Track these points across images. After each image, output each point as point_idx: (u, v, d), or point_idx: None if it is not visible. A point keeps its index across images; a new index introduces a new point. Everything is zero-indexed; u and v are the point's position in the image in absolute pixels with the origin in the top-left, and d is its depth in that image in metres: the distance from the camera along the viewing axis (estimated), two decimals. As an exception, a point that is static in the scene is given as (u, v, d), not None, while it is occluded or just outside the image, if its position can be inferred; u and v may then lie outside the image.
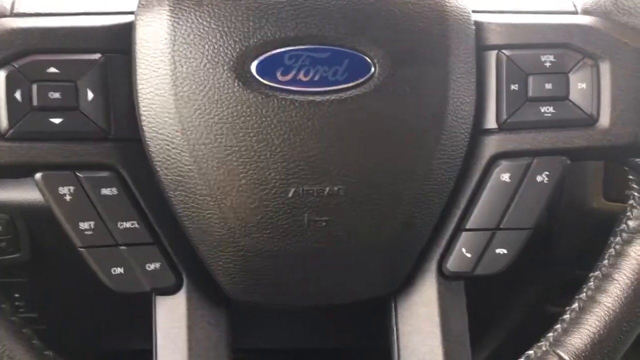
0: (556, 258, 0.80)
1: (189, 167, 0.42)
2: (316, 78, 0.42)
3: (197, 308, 0.46)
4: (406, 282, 0.48)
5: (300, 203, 0.43)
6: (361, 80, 0.42)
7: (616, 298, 0.46)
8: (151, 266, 0.44)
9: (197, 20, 0.41)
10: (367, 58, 0.42)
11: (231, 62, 0.41)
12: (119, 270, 0.43)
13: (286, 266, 0.45)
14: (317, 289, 0.47)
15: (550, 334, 0.48)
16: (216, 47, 0.41)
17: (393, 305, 0.49)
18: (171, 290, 0.45)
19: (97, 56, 0.42)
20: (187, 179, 0.43)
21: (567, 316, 0.48)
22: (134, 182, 0.43)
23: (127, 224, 0.43)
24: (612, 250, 0.48)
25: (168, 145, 0.42)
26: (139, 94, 0.42)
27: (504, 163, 0.45)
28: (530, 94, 0.45)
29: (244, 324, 0.79)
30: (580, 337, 0.46)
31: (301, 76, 0.42)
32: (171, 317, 0.45)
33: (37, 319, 0.72)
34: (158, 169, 0.43)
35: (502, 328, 0.93)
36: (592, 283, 0.48)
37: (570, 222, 0.75)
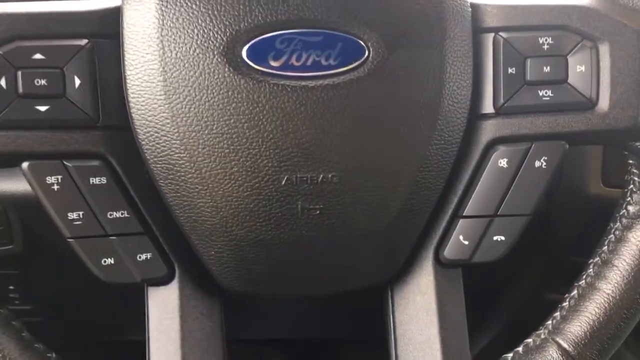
0: (555, 245, 0.80)
1: (179, 154, 0.41)
2: (309, 63, 0.41)
3: (190, 299, 0.45)
4: (402, 271, 0.47)
5: (293, 191, 0.42)
6: (355, 64, 0.41)
7: (616, 285, 0.45)
8: (142, 256, 0.43)
9: (186, 3, 0.40)
10: (360, 41, 0.41)
11: (221, 47, 0.40)
12: (109, 260, 0.43)
13: (279, 255, 0.44)
14: (311, 279, 0.46)
15: (549, 322, 0.47)
16: (206, 31, 0.40)
17: (389, 294, 0.48)
18: (163, 281, 0.45)
19: (84, 42, 0.41)
20: (178, 167, 0.42)
21: (566, 304, 0.47)
22: (124, 171, 0.42)
23: (117, 214, 0.42)
24: (611, 236, 0.47)
25: (158, 132, 0.41)
26: (128, 81, 0.41)
27: (501, 148, 0.45)
28: (528, 77, 0.44)
29: (240, 314, 0.78)
30: (580, 324, 0.45)
31: (293, 61, 0.41)
32: (163, 308, 0.45)
33: (32, 311, 0.71)
34: (148, 157, 0.42)
35: (501, 316, 0.93)
36: (591, 270, 0.47)
37: (569, 208, 0.75)
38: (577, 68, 0.44)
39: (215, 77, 0.40)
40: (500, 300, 0.92)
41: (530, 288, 0.88)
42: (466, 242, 0.45)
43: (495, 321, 0.94)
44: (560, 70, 0.44)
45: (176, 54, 0.40)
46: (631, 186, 0.48)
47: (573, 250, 0.78)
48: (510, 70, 0.44)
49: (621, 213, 0.47)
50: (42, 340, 0.46)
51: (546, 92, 0.44)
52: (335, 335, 0.99)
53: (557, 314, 0.47)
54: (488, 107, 0.45)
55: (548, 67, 0.44)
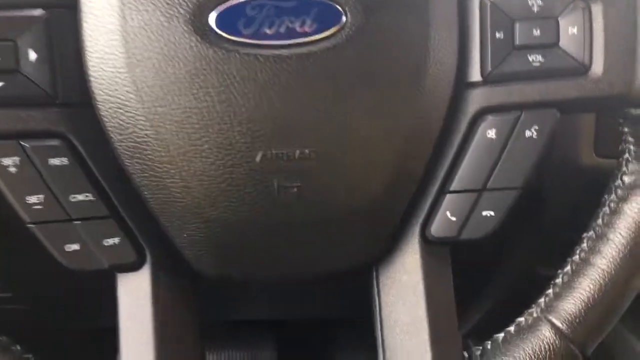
0: (546, 219, 0.78)
1: (146, 132, 0.39)
2: (282, 30, 0.38)
3: (162, 285, 0.42)
4: (387, 250, 0.45)
5: (268, 168, 0.39)
6: (331, 31, 0.38)
7: (611, 259, 0.43)
8: (109, 241, 0.40)
9: None
10: (337, 6, 0.38)
11: (187, 14, 0.37)
12: (74, 246, 0.40)
13: (256, 237, 0.41)
14: (290, 261, 0.43)
15: (542, 300, 0.45)
16: None
17: (374, 274, 0.46)
18: (133, 267, 0.42)
19: (39, 12, 0.38)
20: (144, 146, 0.39)
21: (559, 280, 0.45)
22: (86, 150, 0.40)
23: (81, 197, 0.40)
24: (606, 208, 0.45)
25: (121, 108, 0.38)
26: (87, 53, 0.38)
27: (490, 118, 0.42)
28: (517, 42, 0.41)
29: (226, 295, 0.76)
30: (574, 301, 0.43)
31: (265, 28, 0.38)
32: (134, 295, 0.42)
33: (13, 299, 0.68)
34: (112, 136, 0.39)
35: (493, 292, 0.91)
36: (585, 244, 0.45)
37: (561, 180, 0.72)
38: (569, 30, 0.41)
39: (182, 47, 0.37)
40: (492, 276, 0.90)
41: (523, 263, 0.86)
42: (453, 218, 0.43)
43: (487, 297, 0.92)
44: (551, 33, 0.41)
45: (138, 23, 0.38)
46: (626, 155, 0.45)
47: (566, 224, 0.75)
48: (498, 35, 0.41)
49: (616, 184, 0.45)
50: (13, 329, 0.43)
51: (536, 57, 0.41)
52: (325, 316, 0.97)
53: (550, 291, 0.45)
54: (475, 74, 0.42)
55: (538, 30, 0.41)
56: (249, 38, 0.38)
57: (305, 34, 0.38)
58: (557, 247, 0.79)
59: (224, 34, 0.38)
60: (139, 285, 0.42)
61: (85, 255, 0.40)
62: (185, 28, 0.37)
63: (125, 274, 0.42)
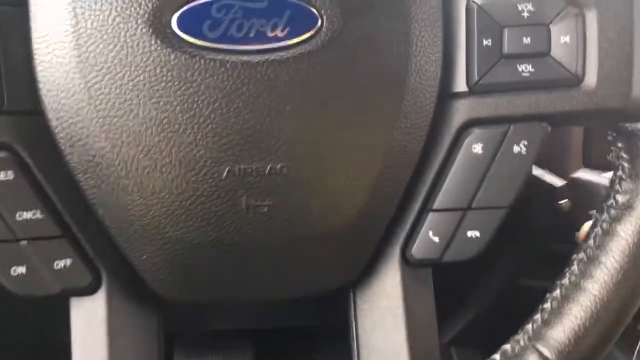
0: (531, 229, 0.75)
1: (100, 144, 0.35)
2: (251, 34, 0.35)
3: (120, 311, 0.39)
4: (365, 272, 0.42)
5: (236, 185, 0.36)
6: (305, 35, 0.35)
7: (603, 284, 0.40)
8: (60, 263, 0.37)
9: None
10: (312, 9, 0.35)
11: (146, 15, 0.34)
12: (20, 269, 0.36)
13: (222, 259, 0.38)
14: (260, 285, 0.40)
15: (529, 326, 0.42)
16: None
17: (351, 297, 0.43)
18: (87, 291, 0.38)
19: None
20: (99, 159, 0.35)
21: (547, 305, 0.42)
22: (36, 163, 0.36)
23: (28, 214, 0.36)
24: (598, 229, 0.42)
25: (73, 118, 0.35)
26: (36, 56, 0.35)
27: (476, 131, 0.39)
28: (505, 50, 0.38)
29: (195, 306, 0.72)
30: (563, 329, 0.40)
31: (233, 31, 0.35)
32: (88, 322, 0.39)
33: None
34: (63, 148, 0.36)
35: (475, 302, 0.89)
36: (575, 267, 0.42)
37: (546, 191, 0.70)
38: (561, 39, 0.38)
39: (140, 51, 0.34)
40: (475, 285, 0.88)
41: (506, 274, 0.84)
42: (436, 239, 0.40)
43: (470, 307, 0.90)
44: (541, 42, 0.38)
45: (91, 24, 0.34)
46: (619, 173, 0.42)
47: (551, 235, 0.73)
48: (485, 42, 0.38)
49: (609, 203, 0.42)
50: None
51: (526, 67, 0.38)
52: (304, 325, 0.94)
53: (538, 316, 0.42)
54: (460, 84, 0.39)
55: (528, 38, 0.38)
56: (215, 42, 0.34)
57: (277, 39, 0.35)
58: (540, 259, 0.77)
59: (186, 37, 0.34)
60: (94, 311, 0.39)
61: (33, 279, 0.37)
62: (144, 30, 0.34)
63: (78, 298, 0.39)
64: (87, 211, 0.37)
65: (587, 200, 0.63)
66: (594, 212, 0.44)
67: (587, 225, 0.45)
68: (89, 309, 0.39)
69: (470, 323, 0.91)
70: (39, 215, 0.36)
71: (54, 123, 0.35)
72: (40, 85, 0.35)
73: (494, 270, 0.84)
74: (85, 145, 0.35)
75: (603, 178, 0.62)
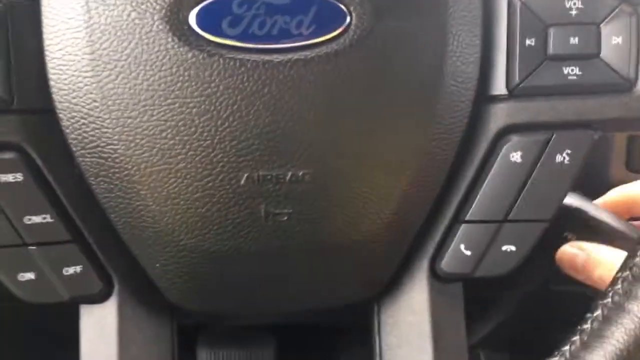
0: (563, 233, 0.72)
1: (113, 146, 0.33)
2: (274, 32, 0.32)
3: (132, 320, 0.37)
4: (391, 284, 0.39)
5: (255, 192, 0.34)
6: (333, 34, 0.33)
7: None
8: (70, 270, 0.35)
9: None
10: (340, 5, 0.32)
11: (163, 10, 0.32)
12: (28, 275, 0.35)
13: (239, 270, 0.36)
14: (279, 297, 0.38)
15: (566, 348, 0.39)
16: None
17: (375, 311, 0.40)
18: (98, 299, 0.37)
19: None
20: (111, 162, 0.33)
21: (587, 326, 0.39)
22: (46, 164, 0.34)
23: (37, 218, 0.34)
24: None
25: (85, 118, 0.33)
26: (47, 53, 0.33)
27: (515, 139, 0.36)
28: (550, 50, 0.35)
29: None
30: (604, 354, 0.37)
31: (255, 29, 0.32)
32: (99, 331, 0.37)
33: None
34: (74, 149, 0.34)
35: (503, 306, 0.86)
36: (619, 286, 0.39)
37: (585, 194, 0.67)
38: (613, 40, 0.35)
39: (156, 48, 0.32)
40: (504, 289, 0.85)
41: (536, 278, 0.81)
42: (468, 253, 0.37)
43: (499, 310, 0.87)
44: (591, 42, 0.35)
45: (106, 19, 0.32)
46: None
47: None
48: (528, 42, 0.35)
49: None
50: None
51: (572, 70, 0.35)
52: (327, 322, 0.92)
53: (577, 338, 0.39)
54: (500, 87, 0.36)
55: (576, 38, 0.35)
56: (235, 40, 0.32)
57: (302, 37, 0.32)
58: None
59: (205, 35, 0.32)
60: (104, 319, 0.37)
61: (42, 285, 0.35)
62: (160, 26, 0.32)
63: (89, 306, 0.37)
64: (99, 216, 0.35)
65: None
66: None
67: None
68: (100, 316, 0.37)
69: (499, 326, 0.88)
70: (49, 219, 0.34)
71: (65, 123, 0.33)
72: (52, 83, 0.33)
73: (525, 273, 0.82)
74: (97, 147, 0.33)
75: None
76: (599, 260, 0.43)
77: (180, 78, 0.32)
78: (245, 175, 0.33)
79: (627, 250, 0.38)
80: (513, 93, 0.36)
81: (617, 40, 0.35)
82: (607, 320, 0.38)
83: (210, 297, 0.37)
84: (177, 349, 0.39)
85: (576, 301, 0.40)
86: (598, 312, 0.39)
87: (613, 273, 0.38)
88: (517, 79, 0.36)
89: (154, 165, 0.33)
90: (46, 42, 0.33)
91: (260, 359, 0.86)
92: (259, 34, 0.32)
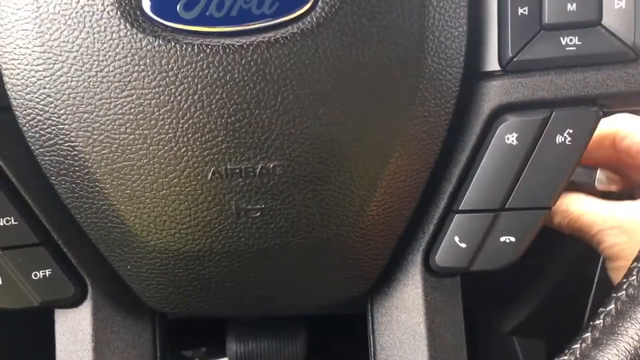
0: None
1: (71, 143, 0.31)
2: (233, 13, 0.30)
3: (107, 324, 0.35)
4: (383, 281, 0.36)
5: (224, 187, 0.31)
6: (298, 12, 0.30)
7: None
8: (39, 274, 0.34)
9: None
10: None
11: None
12: None
13: (213, 270, 0.34)
14: (259, 298, 0.36)
15: (577, 346, 0.36)
16: None
17: (369, 308, 0.38)
18: (71, 303, 0.35)
19: None
20: (70, 160, 0.31)
21: (599, 322, 0.35)
22: (8, 165, 0.33)
23: (1, 221, 0.33)
24: None
25: (40, 114, 0.31)
26: None
27: (510, 119, 0.33)
28: (546, 19, 0.32)
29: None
30: (617, 352, 0.34)
31: (212, 10, 0.30)
32: (73, 337, 0.35)
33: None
34: (33, 147, 0.32)
35: (538, 291, 0.82)
36: (634, 277, 0.35)
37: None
38: (615, 4, 0.31)
39: (108, 37, 0.30)
40: (538, 274, 0.81)
41: (570, 261, 0.77)
42: (463, 245, 0.34)
43: (533, 295, 0.84)
44: (590, 8, 0.31)
45: (55, 8, 0.30)
46: None
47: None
48: (521, 11, 0.32)
49: None
50: None
51: (571, 40, 0.32)
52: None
53: (588, 335, 0.35)
54: (491, 62, 0.33)
55: (574, 4, 0.31)
56: (192, 24, 0.30)
57: (264, 17, 0.30)
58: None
59: (160, 20, 0.30)
60: (79, 324, 0.35)
61: (9, 290, 0.34)
62: (111, 12, 0.30)
63: (63, 310, 0.35)
64: (67, 217, 0.34)
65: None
66: None
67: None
68: (74, 321, 0.35)
69: (533, 312, 0.85)
70: (13, 221, 0.33)
71: (21, 120, 0.32)
72: (5, 79, 0.31)
73: (557, 257, 0.78)
74: (56, 145, 0.31)
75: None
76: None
77: (136, 68, 0.30)
78: (212, 169, 0.31)
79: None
80: (506, 68, 0.33)
81: (620, 4, 0.31)
82: (620, 315, 0.35)
83: (188, 299, 0.35)
84: (163, 351, 0.37)
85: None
86: (611, 306, 0.35)
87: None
88: (510, 52, 0.32)
89: (115, 162, 0.31)
90: None
91: (291, 349, 0.84)
92: (218, 16, 0.30)
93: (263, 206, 0.32)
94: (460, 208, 0.34)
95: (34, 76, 0.31)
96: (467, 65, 0.32)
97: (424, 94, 0.32)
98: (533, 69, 0.32)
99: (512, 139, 0.33)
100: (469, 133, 0.33)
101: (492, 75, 0.33)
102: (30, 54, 0.30)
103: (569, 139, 0.33)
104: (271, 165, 0.31)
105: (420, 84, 0.31)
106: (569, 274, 0.78)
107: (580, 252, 0.75)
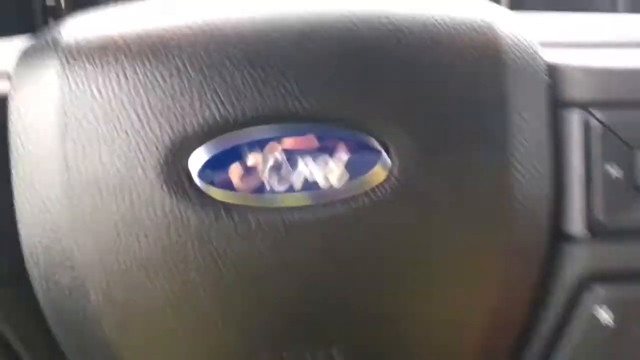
0: None
1: (105, 331, 0.26)
2: (297, 185, 0.26)
3: None
4: None
5: None
6: (370, 182, 0.26)
7: None
8: None
9: (100, 91, 0.25)
10: (377, 144, 0.26)
11: (155, 160, 0.25)
12: None
13: None
14: None
15: None
16: (130, 133, 0.25)
17: None
18: None
19: None
20: (104, 350, 0.27)
21: None
22: (17, 340, 0.28)
23: None
24: None
25: (65, 291, 0.26)
26: (18, 202, 0.27)
27: (600, 290, 0.29)
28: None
29: None
30: None
31: (274, 182, 0.26)
32: None
33: None
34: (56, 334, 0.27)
35: None
36: None
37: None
38: None
39: (148, 207, 0.25)
40: None
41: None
42: None
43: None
44: None
45: (86, 171, 0.26)
46: None
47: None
48: (611, 170, 0.28)
49: None
50: None
51: None
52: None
53: None
54: (576, 225, 0.29)
55: None
56: (247, 195, 0.26)
57: (333, 190, 0.26)
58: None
59: (210, 192, 0.25)
60: None
61: None
62: (154, 181, 0.25)
63: None
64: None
65: None
66: None
67: None
68: None
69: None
70: None
71: (44, 306, 0.27)
72: (24, 242, 0.27)
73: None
74: (76, 326, 0.27)
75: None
76: None
77: (178, 243, 0.25)
78: (266, 355, 0.27)
79: None
80: (595, 233, 0.29)
81: None
82: None
83: None
84: None
85: None
86: None
87: None
88: (599, 215, 0.29)
89: (152, 349, 0.27)
90: (16, 190, 0.27)
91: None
92: (278, 189, 0.26)
93: None
94: None
95: (58, 244, 0.26)
96: (550, 228, 0.29)
97: (513, 265, 0.28)
98: (627, 234, 0.29)
99: (605, 316, 0.29)
100: (552, 307, 0.29)
101: (577, 239, 0.29)
102: (58, 229, 0.26)
103: None
104: (335, 351, 0.27)
105: (508, 256, 0.27)
106: None
107: None
